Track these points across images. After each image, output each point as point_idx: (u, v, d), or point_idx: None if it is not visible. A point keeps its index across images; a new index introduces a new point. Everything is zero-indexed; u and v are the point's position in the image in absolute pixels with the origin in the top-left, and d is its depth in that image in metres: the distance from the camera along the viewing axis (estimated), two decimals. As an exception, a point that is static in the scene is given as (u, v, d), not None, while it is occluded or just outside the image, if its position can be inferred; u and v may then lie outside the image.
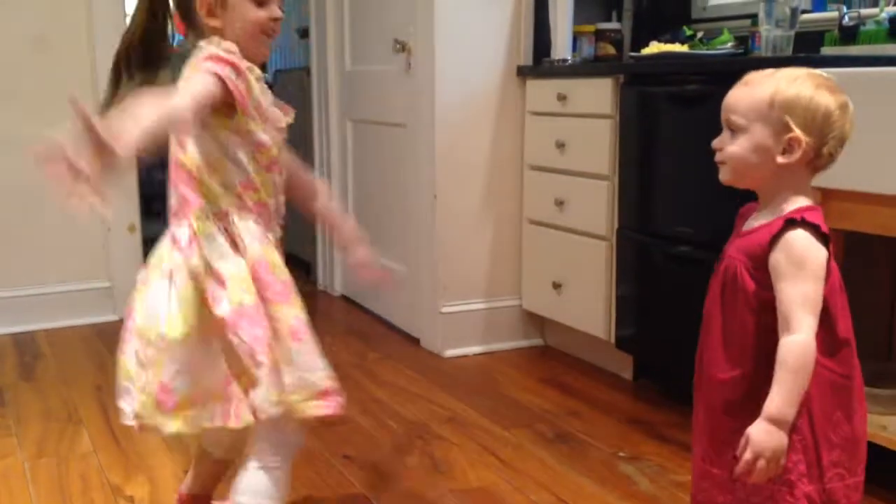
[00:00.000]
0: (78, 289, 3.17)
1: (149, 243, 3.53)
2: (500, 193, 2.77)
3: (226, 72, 1.28)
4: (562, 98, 2.52)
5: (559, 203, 2.55)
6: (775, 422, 1.05)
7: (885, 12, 2.02)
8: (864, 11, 2.12)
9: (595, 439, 2.09)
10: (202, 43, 1.35)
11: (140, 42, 1.38)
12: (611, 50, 2.69)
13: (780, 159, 1.09)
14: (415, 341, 2.88)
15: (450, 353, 2.74)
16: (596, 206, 2.41)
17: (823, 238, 1.08)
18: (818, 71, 1.13)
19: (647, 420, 2.21)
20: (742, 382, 1.13)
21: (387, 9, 3.01)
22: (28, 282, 3.09)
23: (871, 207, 1.65)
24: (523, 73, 2.71)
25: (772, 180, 1.12)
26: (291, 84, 4.17)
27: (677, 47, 2.37)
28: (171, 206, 1.40)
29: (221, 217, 1.36)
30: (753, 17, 2.35)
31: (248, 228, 1.37)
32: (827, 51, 2.09)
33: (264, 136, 1.37)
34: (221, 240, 1.35)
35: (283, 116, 1.43)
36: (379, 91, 3.10)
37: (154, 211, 5.41)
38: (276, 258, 1.40)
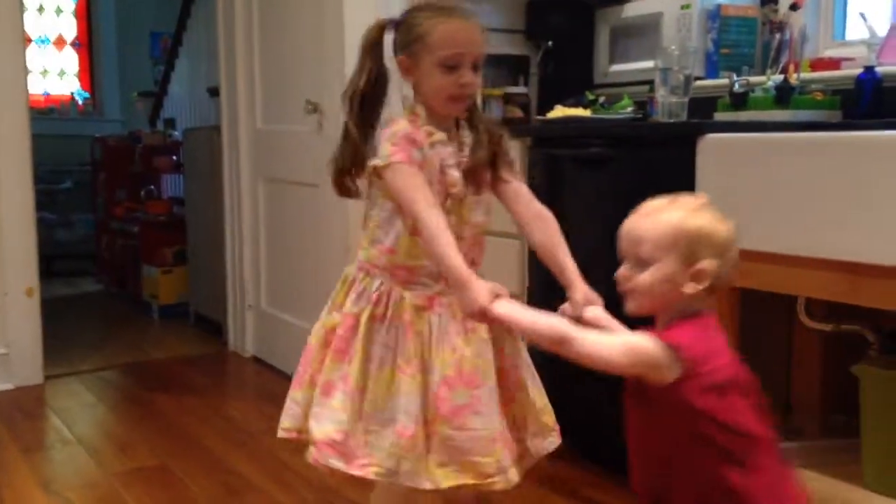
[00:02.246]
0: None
1: (49, 305, 3.42)
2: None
3: (406, 154, 1.35)
4: (472, 159, 2.56)
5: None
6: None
7: (772, 80, 2.16)
8: (753, 79, 2.26)
9: (514, 501, 2.08)
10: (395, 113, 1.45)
11: (360, 103, 1.49)
12: (518, 113, 2.77)
13: (687, 289, 1.11)
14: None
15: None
16: (508, 266, 2.45)
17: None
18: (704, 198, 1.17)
19: (564, 479, 2.21)
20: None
21: (298, 70, 3.02)
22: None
23: (766, 266, 1.73)
24: (434, 134, 2.75)
25: (673, 307, 1.13)
26: (201, 142, 4.12)
27: (580, 111, 2.46)
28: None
29: None
30: (651, 83, 2.46)
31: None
32: (719, 116, 2.21)
33: None
34: None
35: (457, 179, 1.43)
36: (291, 150, 3.10)
37: (54, 271, 5.23)
38: None
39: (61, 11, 6.65)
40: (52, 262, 5.42)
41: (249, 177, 3.45)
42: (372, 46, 1.49)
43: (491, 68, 2.77)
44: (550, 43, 2.83)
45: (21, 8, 3.11)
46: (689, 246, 1.10)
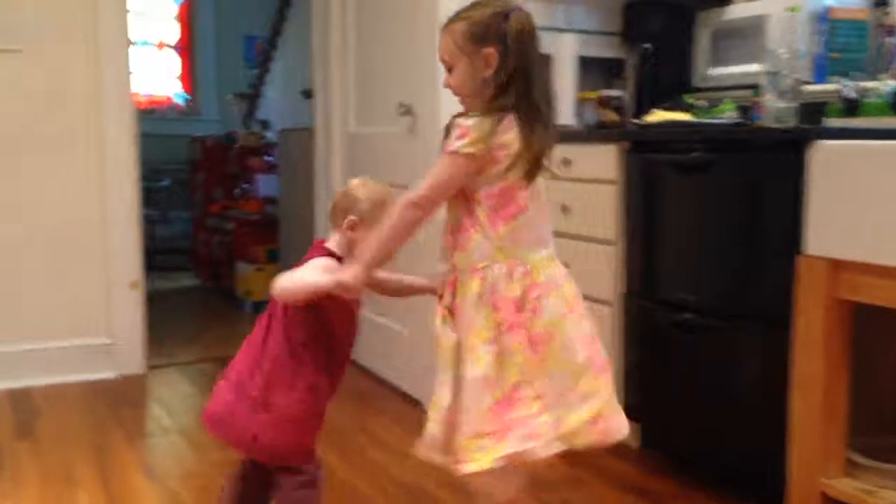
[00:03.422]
0: (76, 345, 3.15)
1: (153, 299, 3.56)
2: (503, 256, 2.77)
3: None
4: (566, 163, 2.54)
5: (564, 267, 2.55)
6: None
7: (888, 85, 2.06)
8: (865, 84, 2.16)
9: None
10: None
11: None
12: (613, 116, 2.73)
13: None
14: (415, 402, 2.85)
15: (452, 416, 2.70)
16: (600, 270, 2.42)
17: None
18: None
19: (653, 490, 2.17)
20: None
21: (392, 72, 3.06)
22: (26, 336, 3.07)
23: (879, 280, 1.66)
24: (527, 137, 2.74)
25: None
26: (294, 144, 4.22)
27: (680, 115, 2.41)
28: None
29: None
30: (754, 87, 2.39)
31: None
32: (830, 122, 2.13)
33: None
34: None
35: None
36: (383, 153, 3.14)
37: (158, 265, 5.44)
38: None
39: (162, 17, 6.92)
40: (152, 257, 5.66)
41: (342, 178, 3.51)
42: None
43: (584, 70, 2.74)
44: (648, 45, 2.77)
45: (126, 13, 3.24)
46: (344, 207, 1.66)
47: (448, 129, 1.48)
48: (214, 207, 5.25)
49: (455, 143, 1.42)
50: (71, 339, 3.14)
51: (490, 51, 1.44)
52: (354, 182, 1.66)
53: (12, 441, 2.51)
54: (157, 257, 5.64)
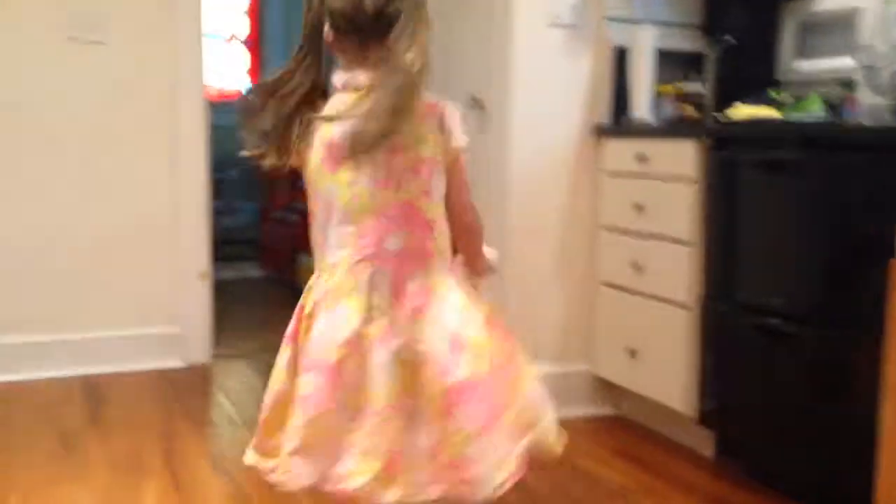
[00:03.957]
0: (146, 333, 3.20)
1: (221, 288, 3.58)
2: (572, 254, 2.70)
3: None
4: (642, 159, 2.46)
5: (636, 267, 2.47)
6: None
7: None
8: (969, 79, 2.03)
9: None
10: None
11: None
12: (692, 111, 2.63)
13: None
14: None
15: (517, 416, 2.65)
16: (677, 271, 2.33)
17: None
18: None
19: (727, 501, 2.08)
20: None
21: (462, 65, 3.01)
22: (97, 325, 3.13)
23: None
24: (601, 131, 2.66)
25: None
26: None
27: (765, 110, 2.30)
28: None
29: None
30: (844, 82, 2.27)
31: None
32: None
33: None
34: None
35: None
36: (452, 147, 3.09)
37: (224, 256, 5.51)
38: None
39: (233, 10, 7.01)
40: (219, 248, 5.72)
41: (408, 172, 3.48)
42: None
43: (662, 62, 2.64)
44: (731, 38, 2.66)
45: (201, 10, 3.26)
46: None
47: (442, 119, 1.30)
48: (279, 200, 5.29)
49: (464, 137, 1.32)
50: (141, 328, 3.18)
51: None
52: None
53: (83, 427, 2.55)
54: (223, 248, 5.73)
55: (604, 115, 2.69)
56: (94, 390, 2.91)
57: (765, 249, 2.11)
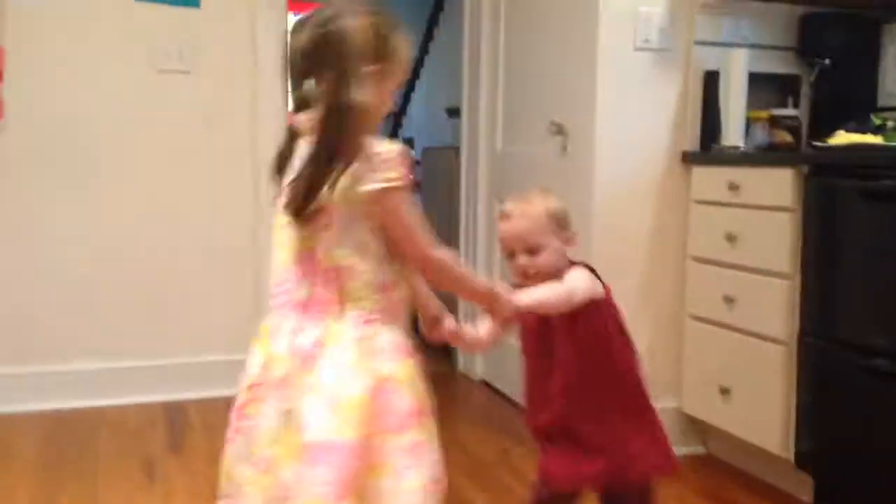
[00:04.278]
0: (229, 360, 3.21)
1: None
2: (659, 285, 2.61)
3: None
4: (734, 187, 2.36)
5: (728, 300, 2.36)
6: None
7: None
8: None
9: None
10: None
11: None
12: (787, 138, 2.51)
13: (567, 250, 1.54)
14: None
15: (599, 452, 2.56)
16: (772, 306, 2.21)
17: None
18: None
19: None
20: None
21: (544, 89, 2.96)
22: (180, 351, 3.17)
23: None
24: (689, 159, 2.57)
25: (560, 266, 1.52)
26: (439, 162, 4.20)
27: (868, 137, 2.18)
28: None
29: None
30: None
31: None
32: None
33: None
34: None
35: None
36: (532, 173, 3.04)
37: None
38: None
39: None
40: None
41: (486, 198, 3.44)
42: None
43: (755, 87, 2.54)
44: (827, 61, 2.54)
45: (284, 42, 3.30)
46: (558, 223, 1.53)
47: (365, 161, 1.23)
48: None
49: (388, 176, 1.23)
50: (224, 354, 3.20)
51: None
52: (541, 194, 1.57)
53: (165, 455, 2.57)
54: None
55: (692, 141, 2.60)
56: (177, 417, 2.94)
57: (867, 283, 1.98)
